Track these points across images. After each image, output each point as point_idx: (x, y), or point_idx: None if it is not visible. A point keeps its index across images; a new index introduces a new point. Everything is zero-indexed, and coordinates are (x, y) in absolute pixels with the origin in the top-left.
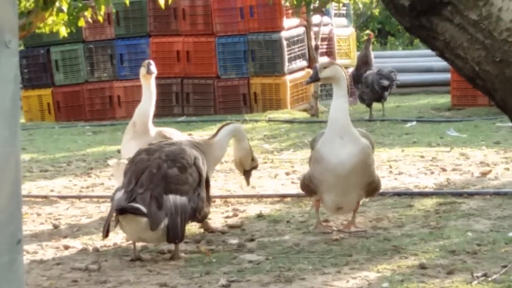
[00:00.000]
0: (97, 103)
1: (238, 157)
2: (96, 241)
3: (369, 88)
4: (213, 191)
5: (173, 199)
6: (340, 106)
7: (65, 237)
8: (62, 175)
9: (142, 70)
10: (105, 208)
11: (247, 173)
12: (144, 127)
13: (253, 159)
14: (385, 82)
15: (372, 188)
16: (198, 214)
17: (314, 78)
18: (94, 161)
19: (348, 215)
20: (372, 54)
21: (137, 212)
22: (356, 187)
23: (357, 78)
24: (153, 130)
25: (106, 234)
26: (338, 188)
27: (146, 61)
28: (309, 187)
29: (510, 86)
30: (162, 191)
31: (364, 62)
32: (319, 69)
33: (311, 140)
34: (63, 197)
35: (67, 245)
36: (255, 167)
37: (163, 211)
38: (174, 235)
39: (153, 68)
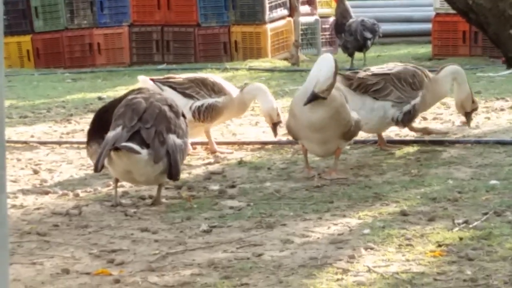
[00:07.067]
0: (77, 50)
1: (459, 100)
2: (76, 186)
3: (353, 36)
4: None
5: (173, 138)
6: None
7: (45, 182)
8: (42, 121)
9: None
10: (85, 154)
11: (468, 115)
12: None
13: (473, 101)
14: (368, 35)
15: (350, 135)
16: (184, 159)
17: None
18: (74, 108)
19: (330, 161)
20: (348, 5)
21: (134, 151)
22: (333, 137)
23: (339, 28)
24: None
25: (100, 168)
26: (314, 139)
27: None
28: (291, 133)
29: (503, 19)
30: (165, 129)
31: (343, 16)
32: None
33: None
34: (43, 143)
35: (48, 190)
36: (475, 109)
37: (165, 147)
38: (176, 170)
39: None
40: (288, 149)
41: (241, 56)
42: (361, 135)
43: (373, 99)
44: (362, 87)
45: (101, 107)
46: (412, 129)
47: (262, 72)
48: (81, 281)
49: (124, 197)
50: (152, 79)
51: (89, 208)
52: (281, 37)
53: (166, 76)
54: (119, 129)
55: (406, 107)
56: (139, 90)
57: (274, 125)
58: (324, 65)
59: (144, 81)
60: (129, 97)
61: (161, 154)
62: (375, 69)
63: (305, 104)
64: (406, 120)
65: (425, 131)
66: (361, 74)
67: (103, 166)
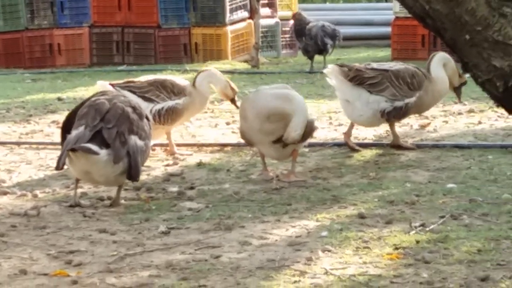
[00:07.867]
0: (37, 50)
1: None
2: (35, 187)
3: (313, 40)
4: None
5: (134, 139)
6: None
7: (3, 182)
8: (1, 121)
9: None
10: (45, 155)
11: (457, 90)
12: None
13: (460, 76)
14: (329, 40)
15: (304, 136)
16: (145, 161)
17: None
18: (33, 108)
19: (288, 164)
20: (305, 15)
21: (92, 151)
22: None
23: (299, 32)
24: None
25: (61, 167)
26: (269, 143)
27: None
28: (245, 139)
29: (460, 25)
30: (127, 130)
31: (302, 23)
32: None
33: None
34: (2, 143)
35: (6, 191)
36: (464, 83)
37: (125, 148)
38: (136, 171)
39: None
40: (247, 151)
41: (201, 58)
42: (320, 138)
43: (368, 92)
44: (358, 79)
45: (70, 111)
46: (392, 128)
47: (222, 74)
48: (38, 282)
49: (83, 198)
50: (111, 84)
51: (47, 209)
52: (242, 39)
53: (125, 80)
54: (81, 128)
55: (398, 103)
56: (103, 92)
57: (232, 100)
58: (297, 120)
59: (103, 86)
60: (93, 98)
61: (122, 154)
62: (375, 64)
63: (274, 143)
64: (393, 115)
65: (397, 140)
66: (360, 66)
67: (64, 165)
